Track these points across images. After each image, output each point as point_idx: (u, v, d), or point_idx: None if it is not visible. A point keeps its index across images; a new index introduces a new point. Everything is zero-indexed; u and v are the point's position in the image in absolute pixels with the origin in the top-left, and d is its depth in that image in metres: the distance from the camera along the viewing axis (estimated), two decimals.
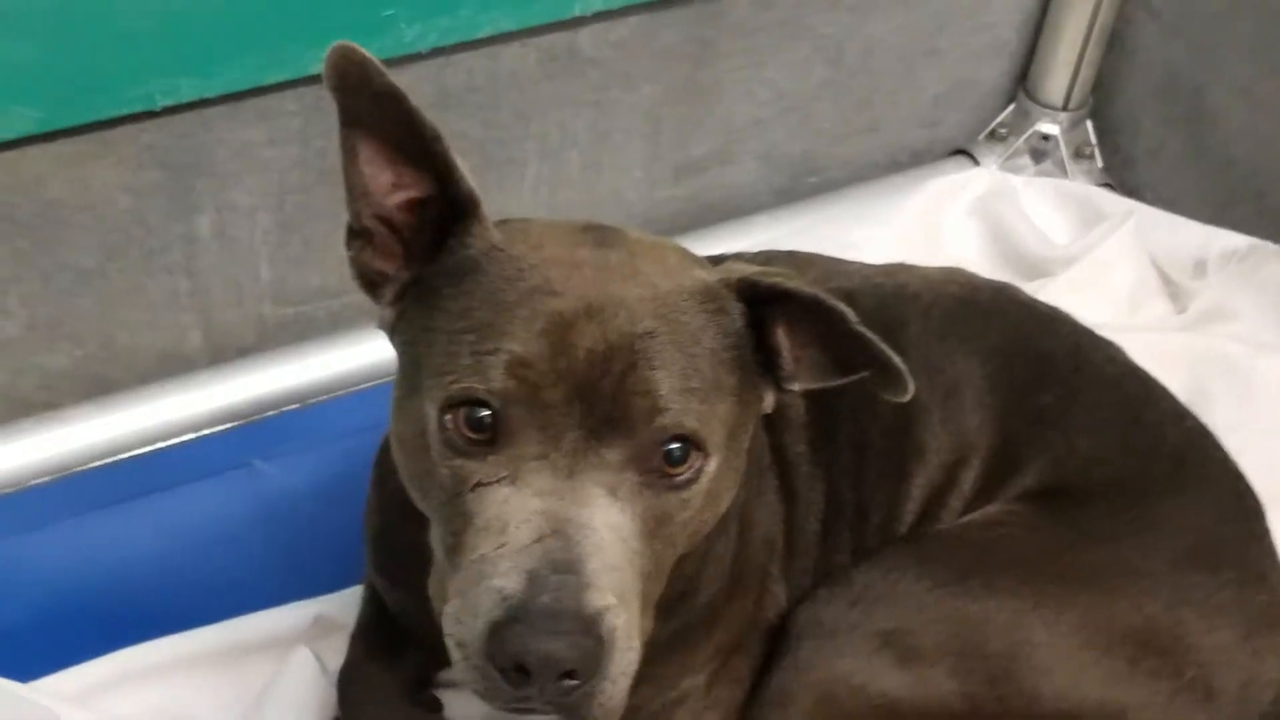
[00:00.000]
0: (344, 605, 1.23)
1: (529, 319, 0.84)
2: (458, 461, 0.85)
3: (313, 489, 1.33)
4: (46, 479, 1.33)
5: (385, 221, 0.91)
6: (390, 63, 1.31)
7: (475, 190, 0.88)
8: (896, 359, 0.85)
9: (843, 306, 0.86)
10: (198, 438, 1.37)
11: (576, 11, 1.37)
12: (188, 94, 1.24)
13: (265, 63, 1.26)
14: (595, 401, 0.83)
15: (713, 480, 0.89)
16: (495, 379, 0.83)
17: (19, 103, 1.18)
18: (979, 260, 1.55)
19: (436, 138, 0.86)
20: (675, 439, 0.85)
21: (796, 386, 0.93)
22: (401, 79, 1.35)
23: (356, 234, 0.91)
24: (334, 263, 1.44)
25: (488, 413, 0.84)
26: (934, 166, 1.72)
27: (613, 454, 0.84)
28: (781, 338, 0.91)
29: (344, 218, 1.41)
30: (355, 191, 0.89)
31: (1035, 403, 1.15)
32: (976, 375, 1.15)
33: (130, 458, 1.35)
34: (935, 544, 1.10)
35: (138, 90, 1.22)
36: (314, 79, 1.29)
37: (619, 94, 1.48)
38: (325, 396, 1.42)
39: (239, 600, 1.23)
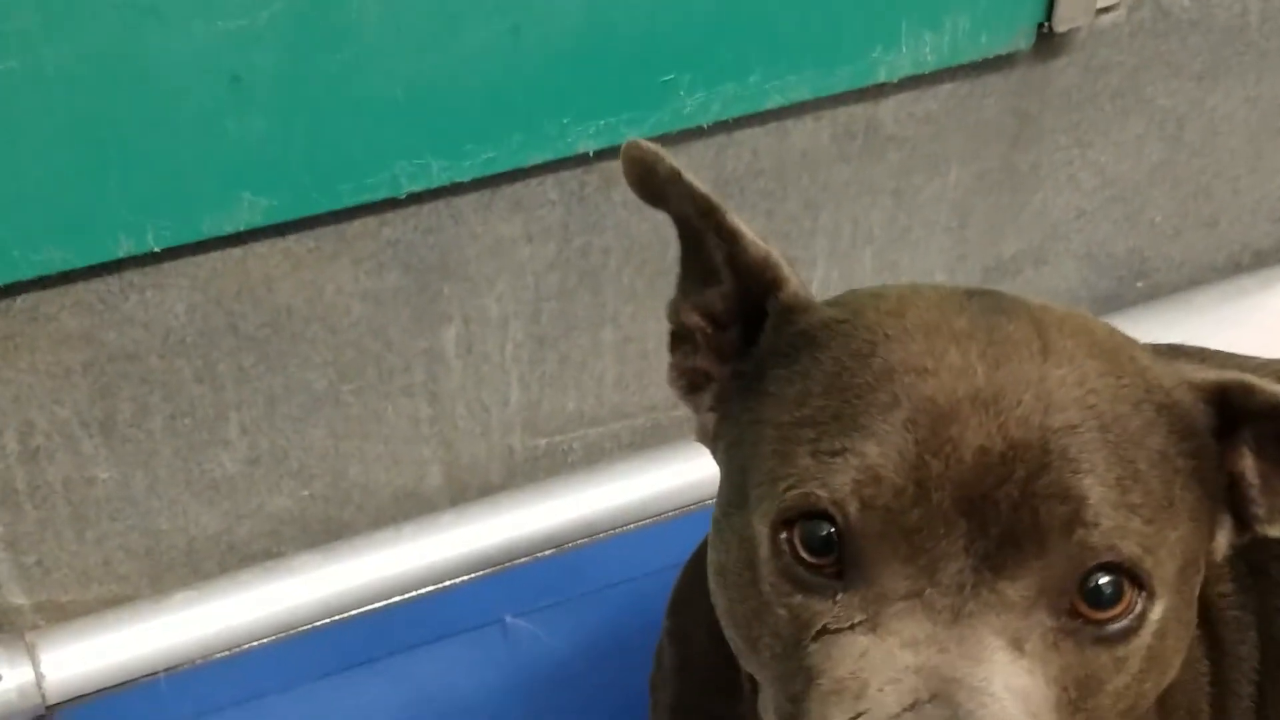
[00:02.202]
0: None
1: (887, 407, 0.63)
2: (797, 598, 0.64)
3: (577, 649, 1.13)
4: (268, 640, 1.14)
5: (707, 316, 0.74)
6: (666, 138, 1.14)
7: (769, 251, 0.71)
8: None
9: None
10: (440, 590, 1.17)
11: (882, 78, 1.16)
12: (438, 178, 1.06)
13: (526, 140, 1.08)
14: (989, 517, 0.61)
15: (1157, 633, 0.64)
16: (841, 490, 0.62)
17: (249, 189, 1.01)
18: None
19: (709, 210, 0.70)
20: (1105, 567, 0.62)
21: (1273, 530, 0.70)
22: (678, 159, 1.17)
23: (680, 338, 0.76)
24: (592, 384, 1.24)
25: (831, 529, 0.62)
26: None
27: (1016, 588, 0.61)
28: (1249, 464, 0.69)
29: (604, 330, 1.24)
30: (680, 287, 0.76)
31: None
32: None
33: (363, 614, 1.16)
34: None
35: (381, 174, 1.05)
36: (580, 160, 1.11)
37: (922, 180, 1.26)
38: (585, 540, 1.21)
39: None
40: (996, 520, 0.61)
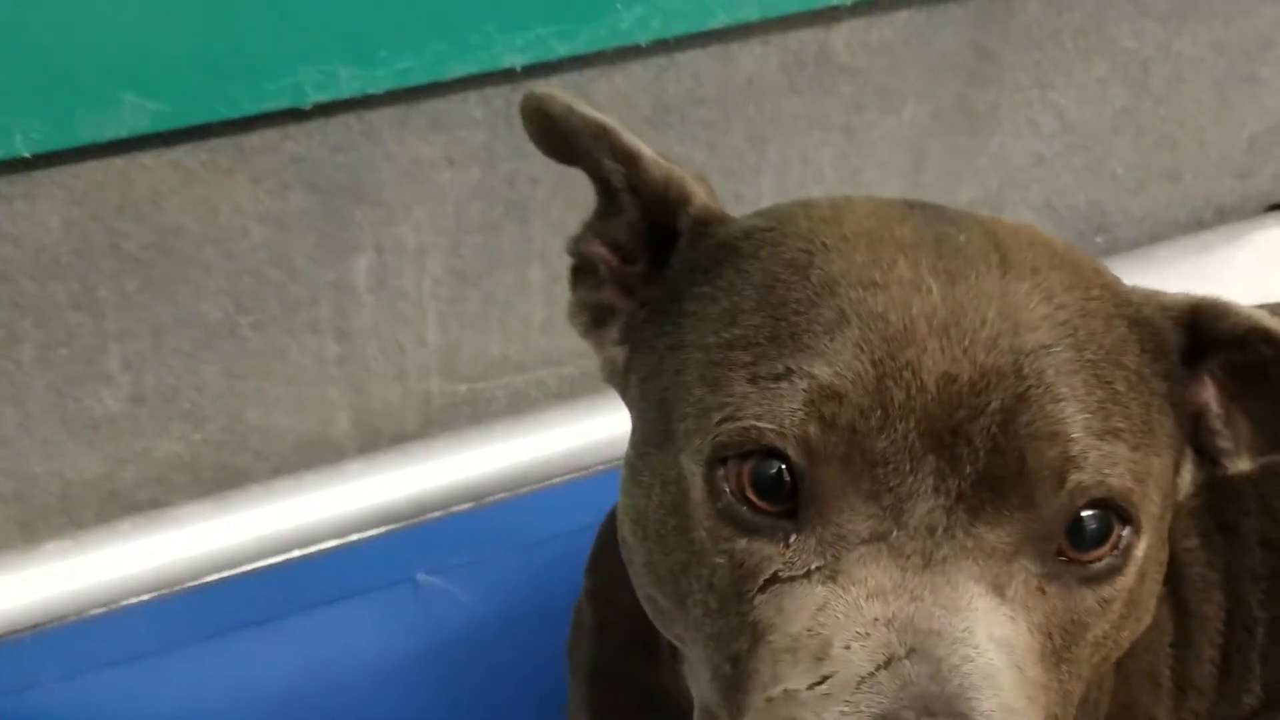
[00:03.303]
0: None
1: (835, 324, 0.56)
2: (740, 543, 0.56)
3: (494, 610, 1.04)
4: (150, 596, 1.04)
5: (611, 247, 0.69)
6: (601, 56, 1.05)
7: (671, 168, 0.65)
8: None
9: None
10: (345, 545, 1.08)
11: (835, 0, 1.08)
12: (348, 88, 0.97)
13: (446, 50, 0.99)
14: (962, 454, 0.54)
15: (1138, 574, 0.59)
16: (791, 418, 0.54)
17: (133, 90, 0.92)
18: None
19: (601, 133, 0.64)
20: (1095, 504, 0.56)
21: (1240, 466, 0.65)
22: (613, 82, 1.09)
23: (582, 271, 0.70)
24: (517, 326, 1.16)
25: (782, 467, 0.55)
26: (1247, 224, 1.39)
27: (996, 534, 0.55)
28: (1212, 394, 0.64)
29: (531, 267, 1.15)
30: (585, 224, 0.70)
31: None
32: None
33: (258, 570, 1.07)
34: None
35: (284, 80, 0.96)
36: (506, 76, 1.03)
37: (875, 116, 1.19)
38: (505, 495, 1.13)
39: None
40: (972, 459, 0.54)
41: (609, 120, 0.64)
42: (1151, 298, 0.62)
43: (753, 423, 0.55)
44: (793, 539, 0.55)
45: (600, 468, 1.14)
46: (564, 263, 1.13)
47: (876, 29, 1.14)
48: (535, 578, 1.06)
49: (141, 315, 1.02)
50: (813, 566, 0.55)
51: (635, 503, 0.62)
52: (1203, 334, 0.62)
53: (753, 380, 0.56)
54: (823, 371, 0.55)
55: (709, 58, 1.09)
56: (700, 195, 0.65)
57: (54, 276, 0.98)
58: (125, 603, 1.03)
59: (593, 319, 0.69)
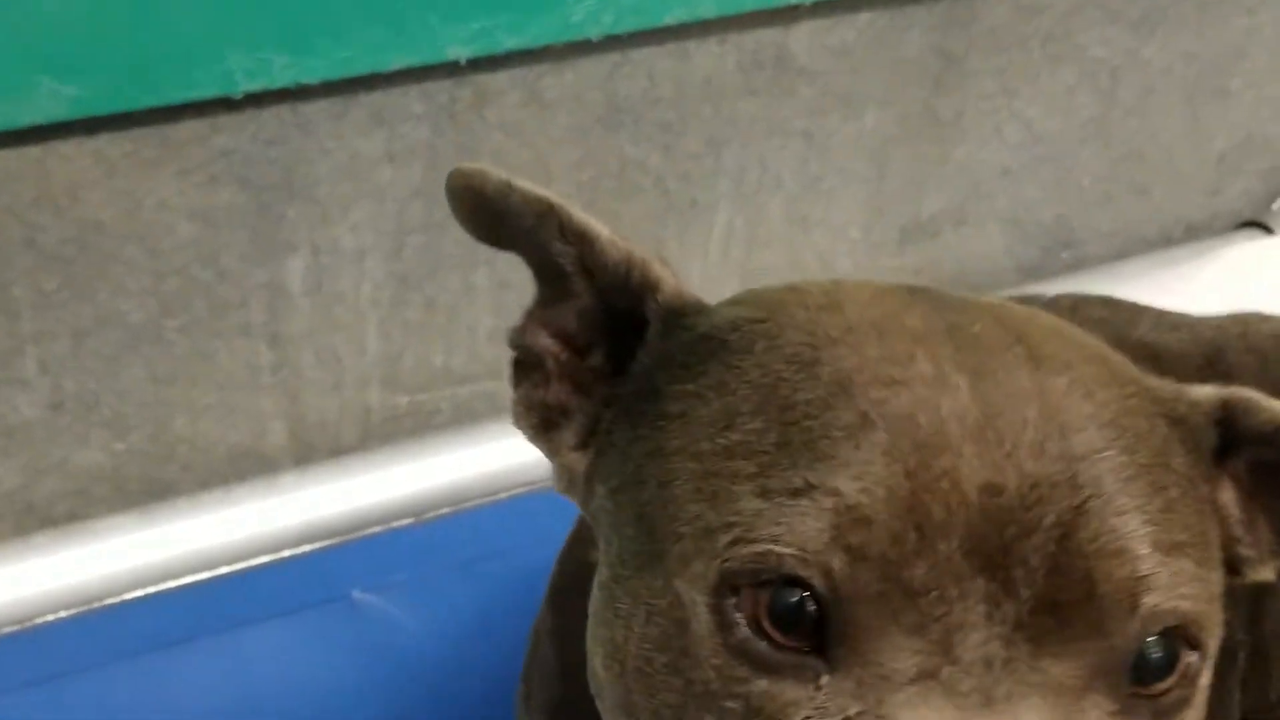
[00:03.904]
0: None
1: (857, 429, 0.49)
2: (759, 684, 0.49)
3: (432, 629, 0.98)
4: (70, 613, 0.98)
5: (560, 337, 0.61)
6: (551, 50, 1.01)
7: (632, 250, 0.58)
8: None
9: None
10: (277, 561, 1.02)
11: None
12: (281, 77, 0.92)
13: (387, 39, 0.94)
14: (1017, 577, 0.48)
15: (1201, 703, 0.53)
16: (816, 541, 0.47)
17: (50, 74, 0.86)
18: None
19: (546, 211, 0.57)
20: (1163, 630, 0.50)
21: (1264, 574, 0.59)
22: (563, 78, 1.05)
23: (525, 367, 0.61)
24: (463, 335, 1.10)
25: (805, 594, 0.48)
26: (1217, 240, 1.36)
27: (1063, 666, 0.48)
28: (1231, 496, 0.58)
29: (477, 272, 1.10)
30: (528, 312, 0.62)
31: None
32: None
33: (185, 586, 1.00)
34: None
35: (213, 67, 0.90)
36: (450, 69, 0.98)
37: (837, 121, 1.14)
38: (448, 510, 1.07)
39: None
40: (1029, 581, 0.48)
41: (554, 196, 0.57)
42: (1181, 393, 0.56)
43: (770, 546, 0.48)
44: (824, 680, 0.48)
45: (547, 483, 1.08)
46: (512, 267, 1.08)
47: (837, 30, 1.09)
48: (478, 596, 1.00)
49: (60, 316, 0.95)
50: (851, 712, 0.47)
51: (611, 634, 0.54)
52: (1231, 431, 0.57)
53: (763, 494, 0.49)
54: (849, 486, 0.47)
55: (665, 55, 1.04)
56: (669, 280, 0.58)
57: None
58: (41, 620, 0.97)
59: (542, 421, 0.61)
